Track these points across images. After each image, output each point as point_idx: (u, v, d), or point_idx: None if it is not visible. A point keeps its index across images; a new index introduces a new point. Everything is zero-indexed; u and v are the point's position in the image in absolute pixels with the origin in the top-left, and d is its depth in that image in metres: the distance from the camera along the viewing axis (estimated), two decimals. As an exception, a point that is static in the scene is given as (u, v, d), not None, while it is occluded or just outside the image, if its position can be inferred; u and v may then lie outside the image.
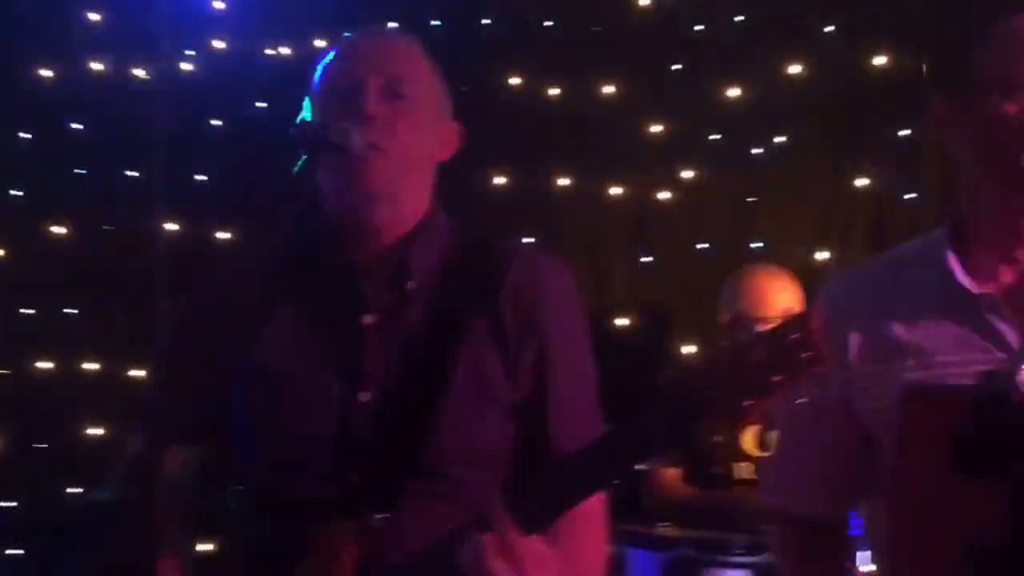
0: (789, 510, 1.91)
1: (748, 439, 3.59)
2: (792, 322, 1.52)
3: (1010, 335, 1.63)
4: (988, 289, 1.67)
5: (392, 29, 1.91)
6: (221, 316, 1.81)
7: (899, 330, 1.69)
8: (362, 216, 1.77)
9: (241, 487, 1.80)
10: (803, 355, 1.49)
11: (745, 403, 1.50)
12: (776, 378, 1.49)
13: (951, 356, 1.65)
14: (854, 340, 1.73)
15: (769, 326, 1.54)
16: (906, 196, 4.15)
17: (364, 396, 1.72)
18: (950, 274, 1.69)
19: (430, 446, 1.69)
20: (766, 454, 3.56)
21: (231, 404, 1.77)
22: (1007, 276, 1.68)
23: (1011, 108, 1.62)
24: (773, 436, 3.50)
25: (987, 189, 1.68)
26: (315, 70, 1.82)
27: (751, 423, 1.52)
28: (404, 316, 1.76)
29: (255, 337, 1.76)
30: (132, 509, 1.81)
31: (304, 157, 1.67)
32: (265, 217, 1.85)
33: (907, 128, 4.12)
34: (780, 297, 3.58)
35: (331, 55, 1.82)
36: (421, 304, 1.76)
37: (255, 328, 1.77)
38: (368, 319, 1.75)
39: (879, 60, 4.13)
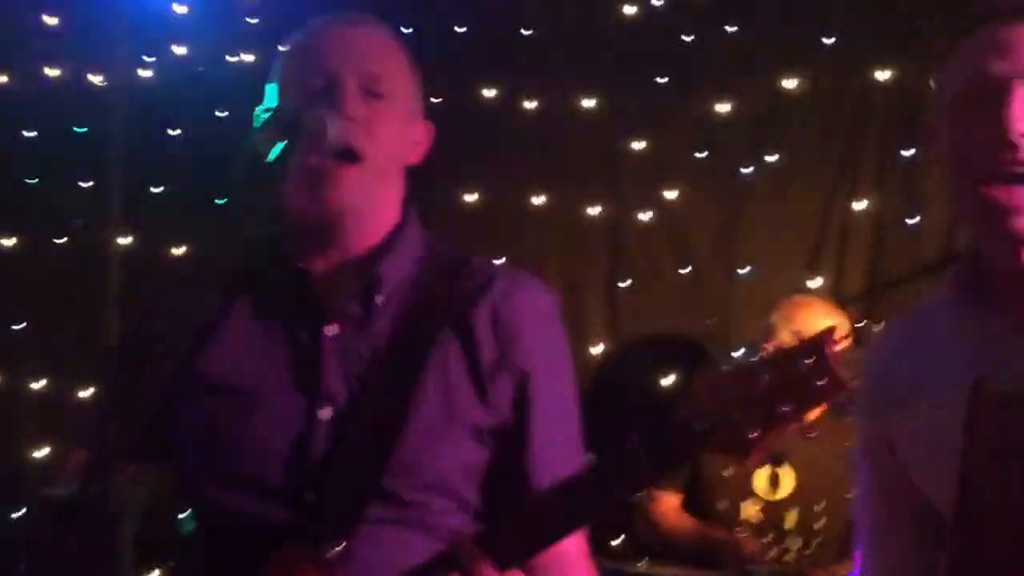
0: None
1: (761, 479, 3.40)
2: (805, 346, 1.39)
3: None
4: None
5: (368, 18, 1.76)
6: (172, 328, 1.68)
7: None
8: (333, 225, 1.69)
9: (191, 508, 1.70)
10: (817, 382, 1.37)
11: (751, 435, 1.38)
12: (786, 408, 1.37)
13: None
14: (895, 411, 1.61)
15: (779, 348, 1.43)
16: (909, 221, 3.86)
17: (324, 413, 1.63)
18: None
19: (392, 469, 1.61)
20: (777, 497, 3.35)
21: (182, 419, 1.68)
22: None
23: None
24: (787, 477, 3.37)
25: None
26: (285, 52, 1.71)
27: (756, 457, 1.42)
28: (370, 330, 1.67)
29: (209, 348, 1.68)
30: (93, 506, 1.67)
31: (280, 145, 1.55)
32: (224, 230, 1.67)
33: (911, 148, 3.86)
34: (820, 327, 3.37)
35: (301, 41, 1.72)
36: (389, 319, 1.68)
37: (209, 339, 1.69)
38: (330, 331, 1.66)
39: (883, 75, 3.88)
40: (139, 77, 4.21)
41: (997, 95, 1.44)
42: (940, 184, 3.80)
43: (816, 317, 3.41)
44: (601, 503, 1.48)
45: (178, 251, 4.16)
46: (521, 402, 1.67)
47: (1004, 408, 1.39)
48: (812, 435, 3.37)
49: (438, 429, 1.63)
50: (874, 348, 1.67)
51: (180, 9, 4.18)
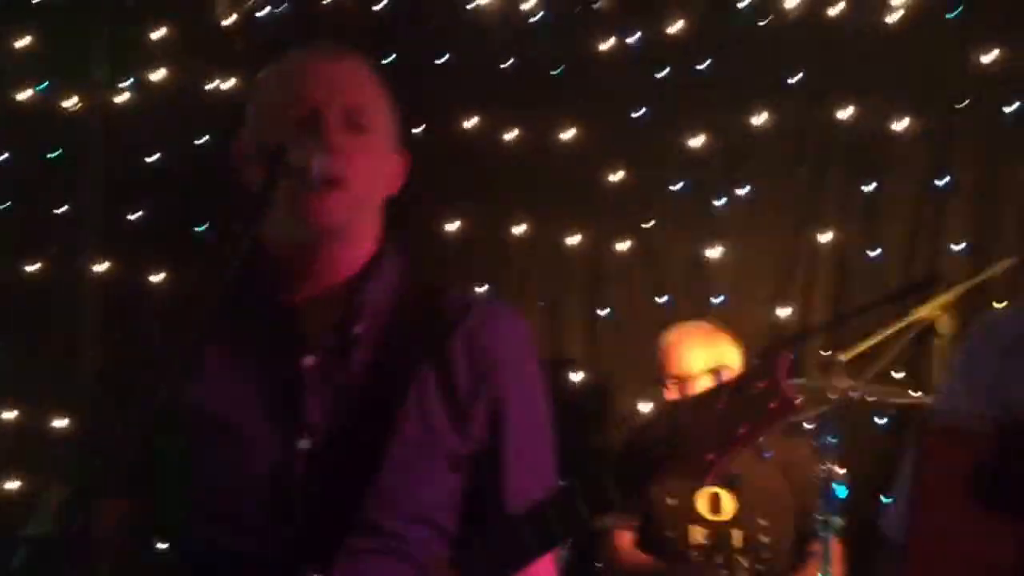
0: None
1: (703, 503, 3.51)
2: (759, 370, 1.46)
3: None
4: None
5: (349, 51, 1.76)
6: (151, 359, 1.69)
7: None
8: (312, 253, 1.68)
9: (170, 542, 1.69)
10: (771, 404, 1.43)
11: (709, 456, 1.45)
12: (741, 430, 1.44)
13: None
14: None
15: (734, 375, 1.49)
16: (870, 253, 4.06)
17: (303, 444, 1.63)
18: None
19: (372, 499, 1.61)
20: (721, 518, 3.48)
21: (161, 453, 1.65)
22: None
23: None
24: (727, 498, 3.51)
25: None
26: (265, 81, 1.72)
27: (712, 478, 1.47)
28: (349, 360, 1.67)
29: (187, 381, 1.63)
30: (72, 546, 1.65)
31: (265, 180, 1.55)
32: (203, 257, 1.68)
33: (872, 183, 4.05)
34: (695, 354, 3.51)
35: (283, 71, 1.72)
36: (368, 348, 1.68)
37: (188, 371, 1.63)
38: (309, 361, 1.66)
39: (844, 113, 4.05)
40: (115, 101, 4.16)
41: None
42: (897, 217, 4.07)
43: (698, 348, 3.55)
44: (569, 527, 1.52)
45: (156, 278, 4.13)
46: (496, 428, 1.69)
47: (945, 440, 1.50)
48: (767, 455, 3.51)
49: (417, 459, 1.64)
50: (980, 334, 1.74)
51: (159, 34, 4.14)
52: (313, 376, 1.65)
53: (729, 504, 3.52)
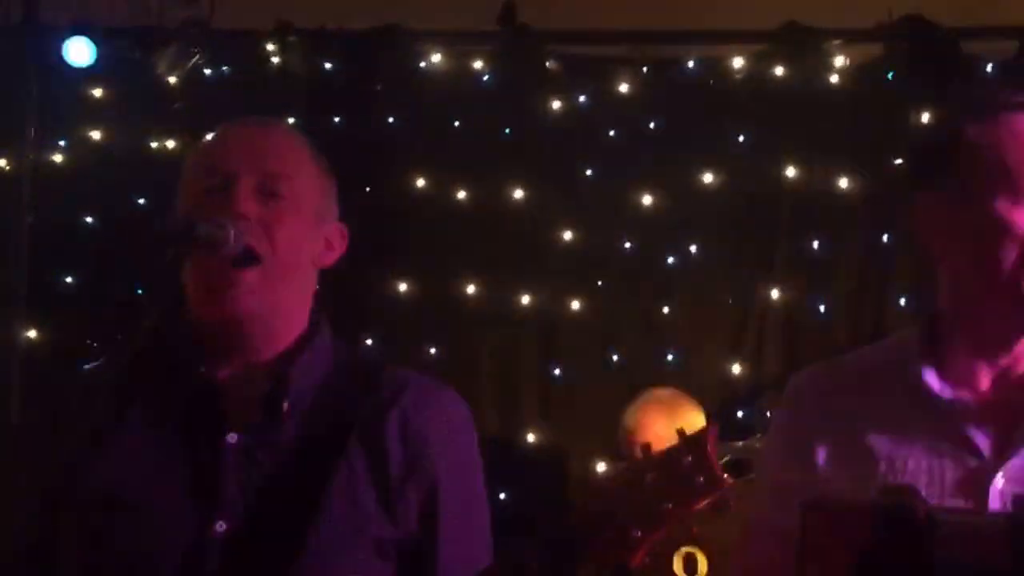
0: None
1: (678, 562, 3.48)
2: (686, 444, 1.43)
3: (983, 443, 1.58)
4: (963, 395, 1.61)
5: (272, 120, 1.76)
6: (57, 434, 1.63)
7: (870, 438, 1.62)
8: (235, 329, 1.63)
9: None
10: (698, 479, 1.41)
11: (635, 535, 1.43)
12: (668, 505, 1.42)
13: (922, 464, 1.59)
14: (823, 448, 1.64)
15: (661, 448, 1.45)
16: (819, 309, 4.10)
17: (220, 526, 1.57)
18: (921, 380, 1.62)
19: None
20: None
21: (64, 535, 1.59)
22: (985, 382, 1.62)
23: (1016, 215, 1.54)
24: (702, 561, 3.49)
25: (976, 291, 1.60)
26: (189, 156, 1.70)
27: (643, 555, 1.44)
28: (274, 439, 1.62)
29: (97, 458, 1.60)
30: None
31: (173, 253, 1.52)
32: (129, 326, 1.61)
33: (818, 240, 4.11)
34: (659, 438, 3.49)
35: (203, 144, 1.70)
36: (295, 427, 1.62)
37: (99, 448, 1.60)
38: (231, 439, 1.61)
39: (791, 172, 4.11)
40: (49, 161, 4.00)
41: None
42: (844, 274, 4.12)
43: (661, 431, 3.55)
44: None
45: (87, 346, 3.94)
46: (428, 516, 1.64)
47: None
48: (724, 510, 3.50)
49: (342, 544, 1.59)
50: (805, 387, 1.72)
51: (96, 91, 4.00)
52: (236, 454, 1.60)
53: (703, 564, 3.50)
